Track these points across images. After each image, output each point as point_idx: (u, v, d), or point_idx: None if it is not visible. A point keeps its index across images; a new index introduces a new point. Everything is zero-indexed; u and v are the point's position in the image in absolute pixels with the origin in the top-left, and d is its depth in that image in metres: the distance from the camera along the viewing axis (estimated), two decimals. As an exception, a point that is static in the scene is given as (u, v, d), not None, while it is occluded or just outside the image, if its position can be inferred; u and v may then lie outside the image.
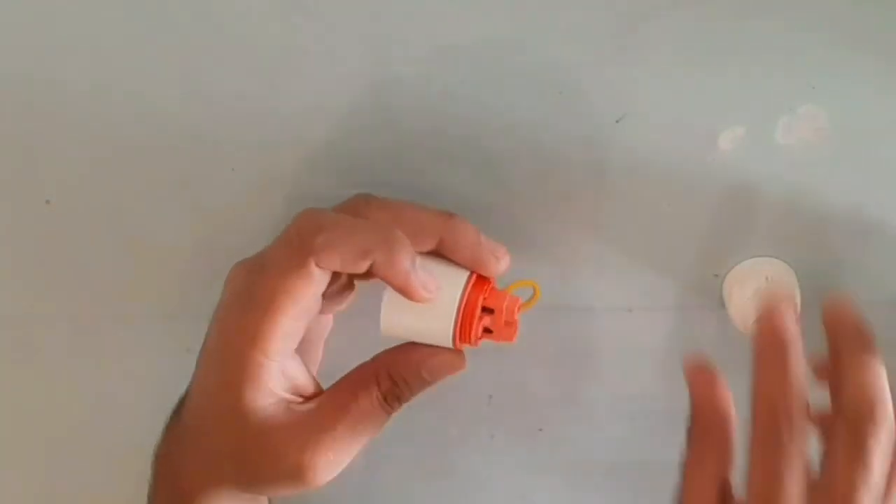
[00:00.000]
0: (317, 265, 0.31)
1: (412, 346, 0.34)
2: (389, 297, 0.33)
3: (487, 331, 0.35)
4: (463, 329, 0.34)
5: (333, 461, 0.33)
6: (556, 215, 0.39)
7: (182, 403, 0.35)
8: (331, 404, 0.33)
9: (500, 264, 0.35)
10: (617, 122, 0.39)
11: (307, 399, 0.34)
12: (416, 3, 0.37)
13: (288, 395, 0.33)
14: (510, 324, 0.34)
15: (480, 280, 0.35)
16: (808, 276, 0.40)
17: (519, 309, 0.35)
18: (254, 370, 0.32)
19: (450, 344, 0.34)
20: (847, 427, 0.32)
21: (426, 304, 0.33)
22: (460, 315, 0.33)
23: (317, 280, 0.32)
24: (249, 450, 0.33)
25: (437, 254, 0.35)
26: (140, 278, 0.40)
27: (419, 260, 0.33)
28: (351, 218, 0.33)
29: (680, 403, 0.39)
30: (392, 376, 0.33)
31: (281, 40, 0.38)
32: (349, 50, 0.38)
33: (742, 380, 0.40)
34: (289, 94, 0.38)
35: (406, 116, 0.39)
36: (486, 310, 0.34)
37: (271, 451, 0.32)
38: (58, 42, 0.38)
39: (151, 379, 0.40)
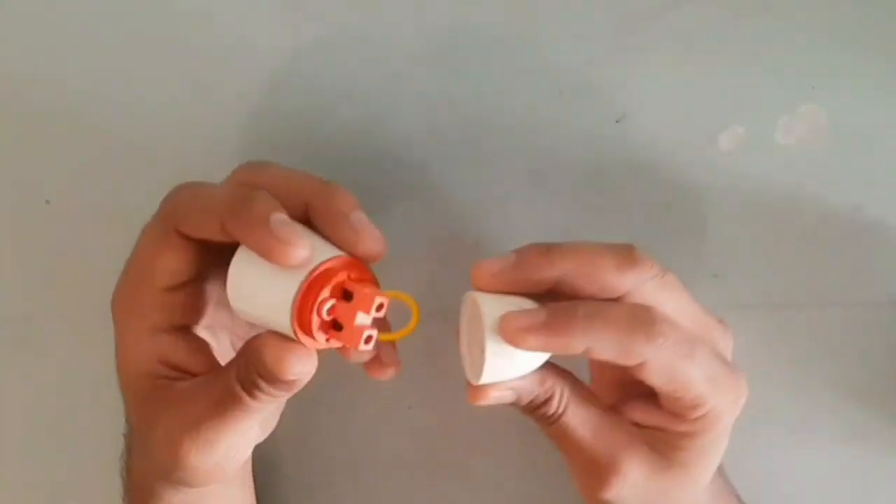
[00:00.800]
0: (177, 231, 0.30)
1: (267, 332, 0.30)
2: (235, 262, 0.29)
3: (338, 328, 0.29)
4: (302, 312, 0.28)
5: (203, 446, 0.30)
6: (555, 216, 0.39)
7: None
8: (199, 387, 0.31)
9: (366, 244, 0.29)
10: (617, 122, 0.39)
11: (192, 376, 0.32)
12: (416, 3, 0.37)
13: (167, 372, 0.32)
14: (352, 327, 0.29)
15: (349, 264, 0.29)
16: (807, 275, 0.40)
17: (375, 322, 0.29)
18: (130, 345, 0.32)
19: (289, 331, 0.29)
20: None
21: (276, 270, 0.28)
22: (300, 294, 0.28)
23: (180, 247, 0.31)
24: (142, 435, 0.32)
25: (310, 225, 0.31)
26: (140, 278, 0.40)
27: (281, 217, 0.29)
28: (214, 186, 0.31)
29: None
30: (245, 361, 0.30)
31: (281, 40, 0.38)
32: (349, 50, 0.38)
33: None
34: (289, 94, 0.38)
35: (406, 116, 0.39)
36: (345, 298, 0.29)
37: (152, 435, 0.31)
38: (58, 42, 0.38)
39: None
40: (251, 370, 0.29)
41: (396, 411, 0.40)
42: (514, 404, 0.32)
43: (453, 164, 0.39)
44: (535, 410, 0.32)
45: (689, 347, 0.30)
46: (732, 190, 0.39)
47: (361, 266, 0.30)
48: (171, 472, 0.31)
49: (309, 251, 0.28)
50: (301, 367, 0.29)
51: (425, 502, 0.41)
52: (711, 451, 0.33)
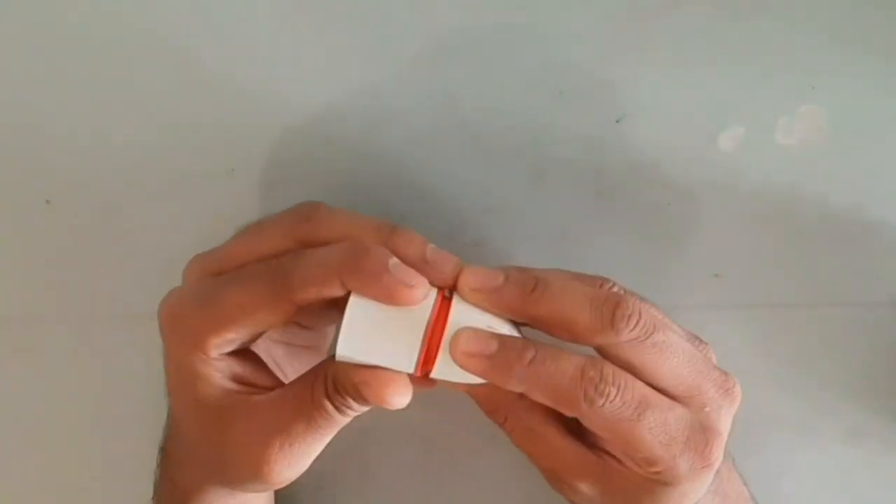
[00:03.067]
0: (292, 302, 0.30)
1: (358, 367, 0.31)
2: (352, 313, 0.30)
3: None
4: (429, 352, 0.30)
5: (289, 456, 0.31)
6: (556, 216, 0.39)
7: None
8: (285, 399, 0.32)
9: (448, 278, 0.31)
10: (617, 122, 0.39)
11: (265, 389, 0.33)
12: (417, 3, 0.37)
13: (238, 387, 0.32)
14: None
15: (444, 299, 0.31)
16: (807, 275, 0.40)
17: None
18: (200, 367, 0.31)
19: (411, 368, 0.30)
20: None
21: (391, 324, 0.30)
22: (428, 333, 0.30)
23: (286, 312, 0.31)
24: (213, 445, 0.32)
25: None
26: (140, 278, 0.40)
27: (396, 261, 0.30)
28: (318, 249, 0.31)
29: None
30: (336, 386, 0.31)
31: (281, 40, 0.38)
32: (349, 50, 0.38)
33: (742, 379, 0.41)
34: (288, 94, 0.38)
35: (406, 116, 0.39)
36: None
37: (226, 445, 0.32)
38: (57, 42, 0.38)
39: (151, 379, 0.39)
40: (344, 396, 0.31)
41: (397, 411, 0.40)
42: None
43: (453, 164, 0.39)
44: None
45: (636, 411, 0.30)
46: (732, 190, 0.39)
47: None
48: (252, 474, 0.32)
49: (426, 289, 0.30)
50: (407, 396, 0.30)
51: (425, 502, 0.41)
52: (673, 499, 0.32)
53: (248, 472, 0.32)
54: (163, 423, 0.36)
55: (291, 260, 0.31)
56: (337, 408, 0.31)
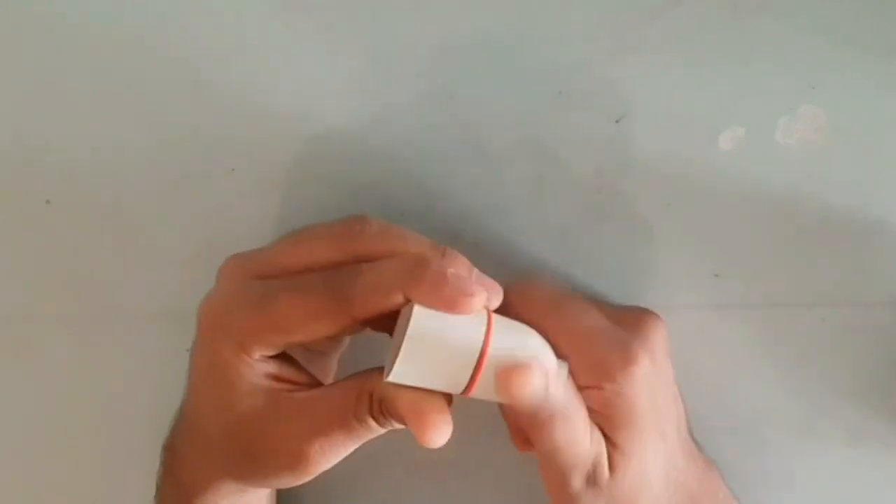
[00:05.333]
0: (351, 315, 0.31)
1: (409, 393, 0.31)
2: (417, 326, 0.30)
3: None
4: (476, 374, 0.30)
5: (328, 454, 0.32)
6: (555, 216, 0.39)
7: (183, 396, 0.36)
8: (327, 403, 0.32)
9: (493, 302, 0.32)
10: (617, 122, 0.39)
11: (303, 387, 0.33)
12: (416, 3, 0.37)
13: (279, 385, 0.33)
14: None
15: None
16: (807, 275, 0.40)
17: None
18: (241, 368, 0.32)
19: (459, 390, 0.31)
20: None
21: (447, 345, 0.30)
22: (484, 357, 0.30)
23: (344, 326, 0.31)
24: (244, 441, 0.33)
25: None
26: (140, 278, 0.40)
27: (454, 272, 0.31)
28: (377, 264, 0.32)
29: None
30: (381, 409, 0.32)
31: (281, 40, 0.38)
32: (349, 50, 0.38)
33: (742, 379, 0.41)
34: (288, 94, 0.38)
35: (406, 117, 0.39)
36: None
37: (265, 439, 0.32)
38: (58, 42, 0.38)
39: (151, 379, 0.40)
40: (388, 417, 0.32)
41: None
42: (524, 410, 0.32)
43: (453, 164, 0.39)
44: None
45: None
46: (732, 190, 0.39)
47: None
48: (288, 468, 0.32)
49: (484, 299, 0.30)
50: (447, 436, 0.31)
51: (425, 502, 0.42)
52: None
53: (284, 467, 0.32)
54: (163, 422, 0.36)
55: (351, 273, 0.31)
56: (381, 425, 0.32)
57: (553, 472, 0.34)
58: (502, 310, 0.32)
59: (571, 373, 0.33)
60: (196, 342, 0.34)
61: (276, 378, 0.33)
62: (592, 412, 0.34)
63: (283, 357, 0.33)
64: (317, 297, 0.31)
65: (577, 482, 0.33)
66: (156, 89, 0.38)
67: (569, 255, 0.40)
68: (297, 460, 0.32)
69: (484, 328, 0.31)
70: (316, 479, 0.33)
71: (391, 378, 0.30)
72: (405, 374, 0.30)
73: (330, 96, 0.38)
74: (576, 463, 0.33)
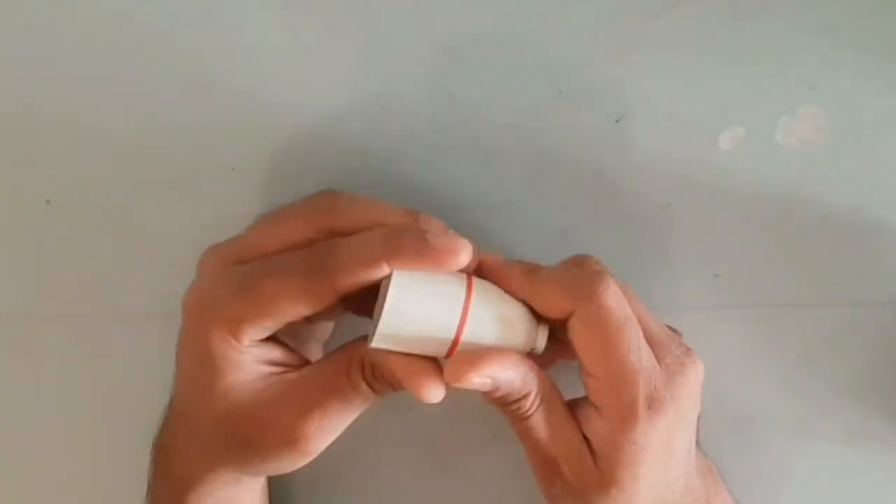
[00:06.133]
0: (332, 287, 0.31)
1: (401, 357, 0.32)
2: (395, 293, 0.30)
3: None
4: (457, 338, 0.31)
5: (326, 428, 0.32)
6: (555, 216, 0.39)
7: (172, 392, 0.36)
8: (321, 376, 0.33)
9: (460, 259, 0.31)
10: (617, 122, 0.39)
11: (294, 368, 0.33)
12: (417, 3, 0.37)
13: (271, 369, 0.33)
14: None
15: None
16: (807, 275, 0.40)
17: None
18: (232, 354, 0.32)
19: (444, 352, 0.31)
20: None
21: (428, 310, 0.30)
22: (464, 320, 0.31)
23: (326, 301, 0.31)
24: (240, 428, 0.33)
25: None
26: (140, 278, 0.40)
27: (432, 233, 0.31)
28: (356, 238, 0.32)
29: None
30: (374, 373, 0.32)
31: (281, 40, 0.38)
32: (349, 49, 0.38)
33: (742, 379, 0.41)
34: (288, 95, 0.38)
35: (406, 116, 0.39)
36: None
37: (262, 422, 0.32)
38: (57, 41, 0.38)
39: (151, 379, 0.39)
40: (383, 383, 0.32)
41: (397, 411, 0.40)
42: (489, 395, 0.32)
43: (454, 163, 0.39)
44: (509, 405, 0.33)
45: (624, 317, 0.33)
46: (732, 190, 0.39)
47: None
48: (287, 447, 0.32)
49: (469, 253, 0.31)
50: (443, 391, 0.31)
51: (424, 501, 0.41)
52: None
53: (283, 447, 0.32)
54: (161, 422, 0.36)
55: (328, 248, 0.31)
56: (374, 390, 0.32)
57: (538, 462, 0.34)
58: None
59: (591, 392, 0.33)
60: (182, 335, 0.34)
61: (267, 362, 0.33)
62: (593, 441, 0.33)
63: (272, 340, 0.33)
64: (298, 276, 0.31)
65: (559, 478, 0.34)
66: (156, 89, 0.38)
67: (569, 255, 0.40)
68: (295, 439, 0.32)
69: (464, 293, 0.31)
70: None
71: (375, 343, 0.31)
72: (388, 340, 0.31)
73: (330, 96, 0.38)
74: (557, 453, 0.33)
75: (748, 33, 0.38)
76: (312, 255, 0.31)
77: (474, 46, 0.38)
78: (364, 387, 0.32)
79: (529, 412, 0.33)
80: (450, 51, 0.38)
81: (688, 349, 0.35)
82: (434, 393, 0.31)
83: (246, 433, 0.33)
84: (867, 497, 0.41)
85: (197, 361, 0.33)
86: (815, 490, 0.40)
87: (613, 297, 0.32)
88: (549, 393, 0.33)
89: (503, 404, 0.33)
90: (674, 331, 0.36)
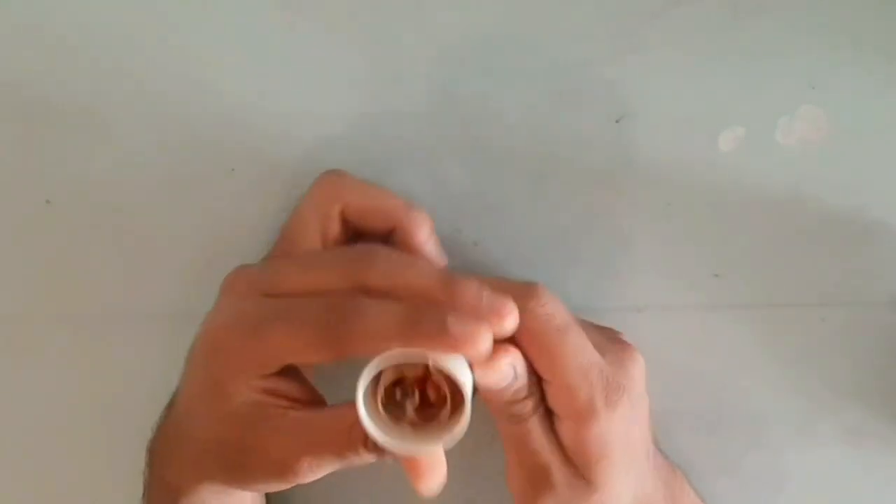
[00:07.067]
0: (342, 352, 0.31)
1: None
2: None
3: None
4: None
5: (317, 470, 0.32)
6: (555, 216, 0.39)
7: (173, 400, 0.36)
8: (321, 429, 0.33)
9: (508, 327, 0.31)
10: (617, 122, 0.39)
11: (303, 404, 0.33)
12: (417, 3, 0.37)
13: (278, 402, 0.33)
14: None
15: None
16: (807, 275, 0.40)
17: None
18: (240, 385, 0.32)
19: None
20: None
21: None
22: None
23: (339, 358, 0.31)
24: (235, 451, 0.33)
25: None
26: (140, 278, 0.40)
27: (451, 318, 0.30)
28: (383, 303, 0.31)
29: (679, 403, 0.39)
30: (377, 447, 0.32)
31: (281, 40, 0.38)
32: (349, 50, 0.38)
33: (742, 379, 0.40)
34: (288, 95, 0.38)
35: (406, 116, 0.39)
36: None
37: (256, 451, 0.33)
38: (57, 42, 0.38)
39: (151, 379, 0.39)
40: (379, 452, 0.32)
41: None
42: (500, 392, 0.33)
43: (453, 164, 0.39)
44: (514, 404, 0.33)
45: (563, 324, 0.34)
46: (732, 190, 0.39)
47: None
48: (276, 478, 0.33)
49: (490, 336, 0.30)
50: (442, 481, 0.32)
51: (425, 502, 0.41)
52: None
53: (273, 476, 0.33)
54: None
55: (349, 312, 0.31)
56: (374, 456, 0.32)
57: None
58: None
59: (550, 400, 0.34)
60: (193, 352, 0.34)
61: (272, 393, 0.33)
62: (566, 447, 0.34)
63: (282, 373, 0.33)
64: (313, 331, 0.31)
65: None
66: (156, 89, 0.38)
67: (569, 255, 0.40)
68: (285, 471, 0.32)
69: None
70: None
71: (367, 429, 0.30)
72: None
73: (330, 96, 0.38)
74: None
75: (748, 33, 0.38)
76: (331, 314, 0.31)
77: (474, 46, 0.38)
78: (363, 452, 0.32)
79: (530, 413, 0.33)
80: (450, 51, 0.38)
81: (626, 344, 0.36)
82: (434, 485, 0.31)
83: (239, 457, 0.33)
84: (867, 497, 0.41)
85: (202, 386, 0.33)
86: (815, 490, 0.40)
87: (551, 303, 0.33)
88: (542, 398, 0.34)
89: (510, 402, 0.33)
90: (610, 329, 0.37)
